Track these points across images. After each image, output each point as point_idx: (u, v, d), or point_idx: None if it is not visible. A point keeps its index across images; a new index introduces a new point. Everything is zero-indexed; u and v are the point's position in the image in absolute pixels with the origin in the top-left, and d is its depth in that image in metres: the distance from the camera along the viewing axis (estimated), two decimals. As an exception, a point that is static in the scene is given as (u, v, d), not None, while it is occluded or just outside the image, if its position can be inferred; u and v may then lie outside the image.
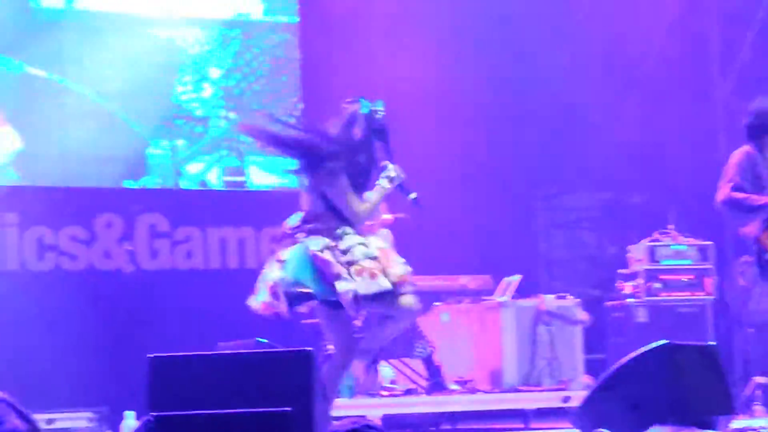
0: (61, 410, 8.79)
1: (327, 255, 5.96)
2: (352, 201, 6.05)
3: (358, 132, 6.13)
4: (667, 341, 5.70)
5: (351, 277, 5.91)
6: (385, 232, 6.47)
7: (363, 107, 6.18)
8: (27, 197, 10.03)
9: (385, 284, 5.94)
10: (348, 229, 6.03)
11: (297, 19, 11.06)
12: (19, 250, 10.04)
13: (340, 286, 5.90)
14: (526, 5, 11.07)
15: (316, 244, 6.00)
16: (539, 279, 11.27)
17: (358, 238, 6.02)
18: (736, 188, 7.28)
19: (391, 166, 6.12)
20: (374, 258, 5.98)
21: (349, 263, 5.97)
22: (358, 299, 5.92)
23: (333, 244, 6.00)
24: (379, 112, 6.19)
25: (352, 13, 10.81)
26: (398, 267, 6.00)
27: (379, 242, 6.11)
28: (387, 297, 5.97)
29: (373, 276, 5.95)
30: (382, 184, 6.12)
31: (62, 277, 10.06)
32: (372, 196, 6.12)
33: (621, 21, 11.13)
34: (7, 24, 10.09)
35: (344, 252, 6.00)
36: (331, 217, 6.07)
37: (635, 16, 11.17)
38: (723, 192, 7.32)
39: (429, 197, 6.33)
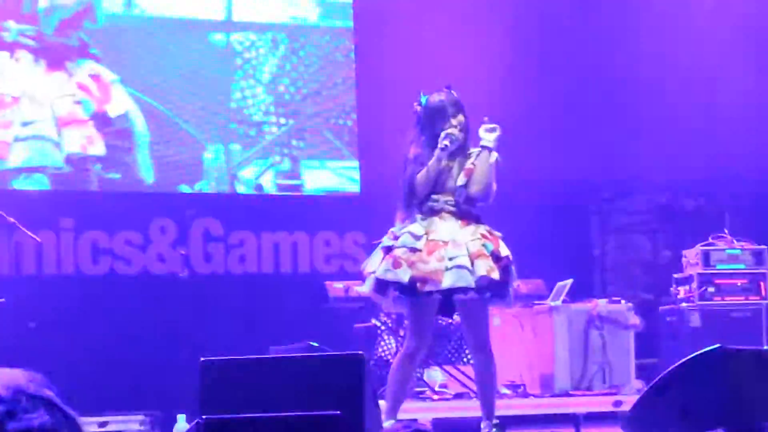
0: (113, 413, 8.87)
1: (385, 240, 6.13)
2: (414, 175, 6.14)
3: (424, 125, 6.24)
4: (720, 346, 5.66)
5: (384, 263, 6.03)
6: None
7: (421, 101, 6.27)
8: (82, 202, 10.13)
9: (401, 276, 5.98)
10: (419, 217, 6.09)
11: (351, 23, 11.10)
12: (74, 254, 10.15)
13: (366, 266, 6.08)
14: (582, 6, 11.05)
15: (393, 230, 6.17)
16: (592, 283, 11.24)
17: (413, 227, 6.06)
18: None
19: (443, 134, 6.16)
20: (414, 249, 6.01)
21: (389, 249, 6.06)
22: (381, 284, 6.03)
23: (396, 228, 6.17)
24: (433, 96, 6.26)
25: (406, 17, 10.83)
26: (432, 263, 6.00)
27: (446, 233, 6.08)
28: (405, 289, 6.01)
29: (396, 264, 6.00)
30: (436, 152, 6.16)
31: (116, 281, 10.15)
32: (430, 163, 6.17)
33: (678, 24, 11.08)
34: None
35: (396, 237, 6.07)
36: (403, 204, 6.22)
37: (692, 19, 11.10)
38: None
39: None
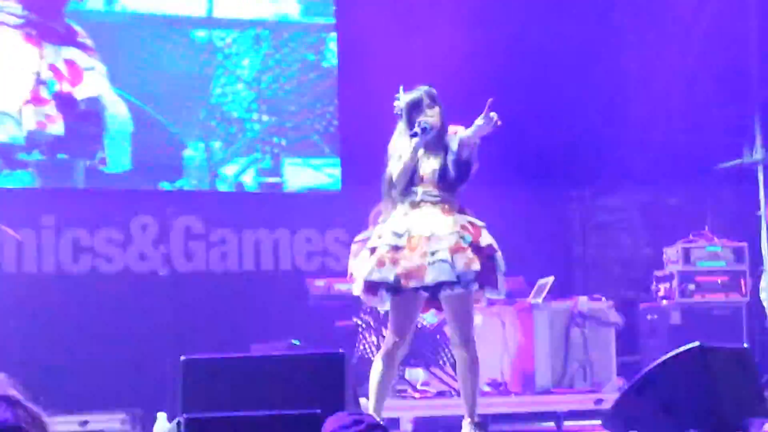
0: (94, 412, 8.85)
1: (371, 241, 6.16)
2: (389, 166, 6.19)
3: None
4: (701, 344, 5.68)
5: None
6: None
7: (399, 96, 6.30)
8: (64, 199, 10.10)
9: (386, 274, 5.99)
10: (401, 213, 6.11)
11: (333, 20, 11.10)
12: (55, 251, 10.12)
13: (350, 265, 6.11)
14: (564, 4, 11.05)
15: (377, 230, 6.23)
16: (573, 280, 11.25)
17: (395, 225, 6.07)
18: None
19: (417, 121, 6.18)
20: (397, 247, 6.02)
21: (374, 249, 6.07)
22: (369, 285, 6.04)
23: (379, 228, 6.20)
24: (410, 91, 6.29)
25: (388, 13, 10.82)
26: (415, 259, 6.01)
27: (426, 228, 6.09)
28: (391, 287, 6.02)
29: (380, 264, 6.02)
30: (411, 142, 6.17)
31: (98, 278, 10.12)
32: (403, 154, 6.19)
33: (659, 21, 11.09)
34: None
35: (380, 237, 6.10)
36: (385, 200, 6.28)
37: (674, 17, 11.12)
38: None
39: (462, 198, 6.33)
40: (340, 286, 8.76)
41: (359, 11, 10.83)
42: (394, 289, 6.02)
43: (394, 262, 6.00)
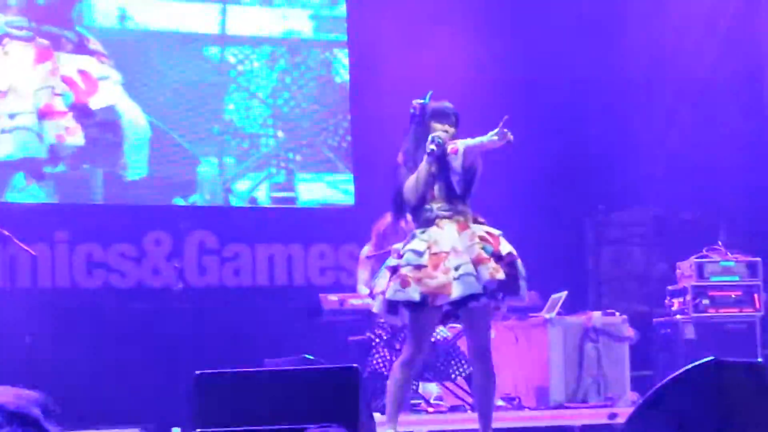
0: (108, 426, 8.85)
1: (392, 260, 6.13)
2: (403, 182, 6.18)
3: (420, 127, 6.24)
4: (714, 358, 5.66)
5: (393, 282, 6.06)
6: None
7: (420, 102, 6.28)
8: (77, 215, 10.13)
9: (411, 294, 5.98)
10: (418, 231, 6.10)
11: (346, 36, 11.12)
12: (69, 267, 10.15)
13: (374, 284, 6.12)
14: (576, 17, 11.06)
15: (396, 248, 6.21)
16: (587, 295, 11.24)
17: (415, 243, 6.06)
18: None
19: (430, 137, 6.17)
20: (419, 266, 6.01)
21: (395, 268, 6.06)
22: (391, 304, 6.05)
23: (398, 246, 6.18)
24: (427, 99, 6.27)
25: (400, 30, 10.84)
26: (439, 277, 6.01)
27: (446, 243, 6.07)
28: (417, 306, 6.01)
29: (404, 284, 6.01)
30: (424, 159, 6.16)
31: (111, 294, 10.15)
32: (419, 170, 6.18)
33: (672, 34, 11.09)
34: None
35: (401, 256, 6.09)
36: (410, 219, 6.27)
37: (687, 29, 11.12)
38: None
39: (475, 211, 6.34)
40: (354, 301, 8.76)
41: (371, 28, 10.86)
42: (420, 308, 6.02)
43: (418, 281, 5.99)
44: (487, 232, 6.13)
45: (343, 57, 11.13)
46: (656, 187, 11.30)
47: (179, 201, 10.56)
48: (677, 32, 11.13)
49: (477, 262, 5.98)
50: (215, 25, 10.78)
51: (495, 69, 10.88)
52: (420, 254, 6.04)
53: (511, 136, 6.00)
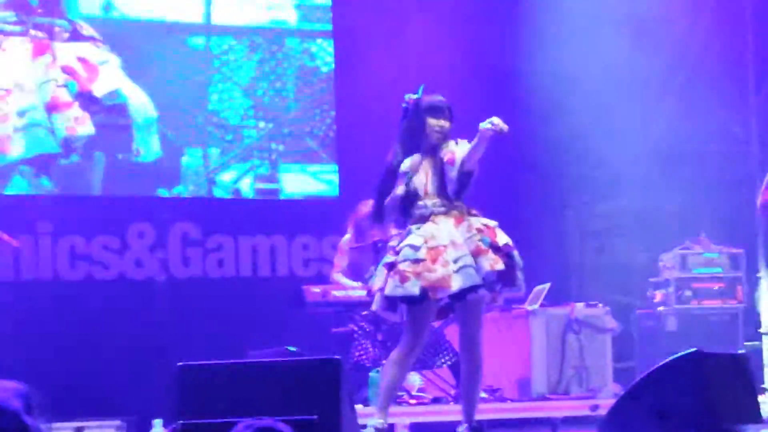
0: (90, 418, 8.84)
1: (388, 257, 6.13)
2: (389, 186, 6.19)
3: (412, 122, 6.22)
4: (697, 350, 5.68)
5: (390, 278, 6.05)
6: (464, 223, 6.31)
7: (413, 96, 6.25)
8: (60, 206, 10.10)
9: (411, 289, 5.98)
10: (414, 227, 6.09)
11: (331, 26, 11.11)
12: (52, 259, 10.12)
13: (372, 282, 6.13)
14: (561, 8, 11.06)
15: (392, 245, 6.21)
16: (569, 287, 11.25)
17: (411, 239, 6.06)
18: None
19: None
20: (417, 261, 6.01)
21: (392, 265, 6.06)
22: (390, 301, 6.05)
23: (394, 243, 6.16)
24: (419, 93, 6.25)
25: (385, 20, 10.84)
26: (438, 270, 6.02)
27: (443, 237, 6.07)
28: (416, 300, 6.01)
29: (402, 279, 6.00)
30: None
31: (94, 286, 10.12)
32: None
33: (656, 26, 11.10)
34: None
35: (397, 252, 6.08)
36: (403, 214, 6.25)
37: (670, 21, 11.13)
38: (764, 197, 7.25)
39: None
40: (337, 293, 8.76)
41: (356, 18, 10.85)
42: (420, 301, 6.02)
43: (417, 275, 5.99)
44: (484, 224, 6.14)
45: (328, 47, 11.11)
46: (639, 179, 11.32)
47: (163, 192, 10.53)
48: (660, 24, 11.13)
49: (476, 254, 6.00)
50: (200, 14, 10.75)
51: (479, 59, 10.88)
52: (417, 248, 6.03)
53: (505, 126, 5.98)
